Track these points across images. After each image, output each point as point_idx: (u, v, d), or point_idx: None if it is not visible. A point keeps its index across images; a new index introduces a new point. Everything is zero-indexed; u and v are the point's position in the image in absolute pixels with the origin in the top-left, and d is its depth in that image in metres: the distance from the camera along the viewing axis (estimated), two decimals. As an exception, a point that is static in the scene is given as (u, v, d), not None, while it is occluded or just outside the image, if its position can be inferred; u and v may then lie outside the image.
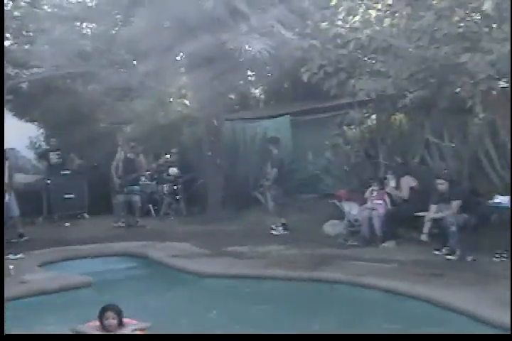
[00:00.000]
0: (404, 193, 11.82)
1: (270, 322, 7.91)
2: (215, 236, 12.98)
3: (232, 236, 12.91)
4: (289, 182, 14.84)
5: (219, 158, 15.02)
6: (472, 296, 8.02)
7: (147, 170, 16.24)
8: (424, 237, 10.66)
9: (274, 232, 13.26)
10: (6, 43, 14.54)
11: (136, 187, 15.18)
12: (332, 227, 12.63)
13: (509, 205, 10.25)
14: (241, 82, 16.57)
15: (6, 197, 12.35)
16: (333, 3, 10.91)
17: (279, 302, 8.92)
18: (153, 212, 16.00)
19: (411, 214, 11.22)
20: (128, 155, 15.12)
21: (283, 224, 13.42)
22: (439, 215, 10.56)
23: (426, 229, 10.64)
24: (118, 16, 16.52)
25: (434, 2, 10.13)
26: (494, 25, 9.99)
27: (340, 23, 11.13)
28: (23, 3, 16.82)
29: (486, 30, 10.00)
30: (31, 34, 14.38)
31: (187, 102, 18.54)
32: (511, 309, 6.20)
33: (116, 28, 16.09)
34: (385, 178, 12.10)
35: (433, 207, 10.73)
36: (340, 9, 10.92)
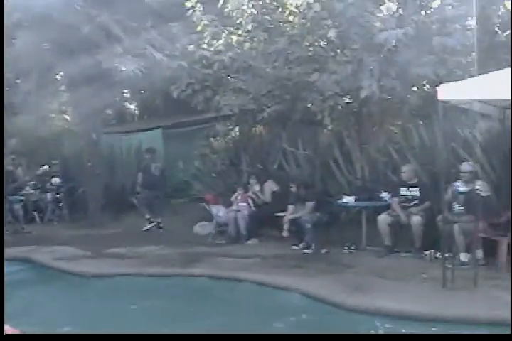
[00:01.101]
0: (267, 196, 11.98)
1: (157, 315, 7.79)
2: (97, 239, 12.69)
3: (112, 238, 12.64)
4: (161, 188, 14.78)
5: (98, 168, 14.73)
6: (326, 284, 8.17)
7: (31, 180, 15.78)
8: (285, 233, 10.82)
9: (146, 227, 13.43)
10: None
11: (17, 197, 14.71)
12: (202, 228, 12.61)
13: (354, 204, 10.59)
14: (117, 98, 16.35)
15: None
16: (199, 28, 10.95)
17: (160, 297, 8.76)
18: (38, 218, 15.49)
19: (272, 215, 11.36)
20: (7, 167, 14.71)
21: (158, 223, 13.51)
22: (296, 215, 10.76)
23: (286, 226, 10.81)
24: None
25: (287, 29, 10.34)
26: (338, 50, 10.32)
27: (205, 46, 11.18)
28: None
29: (332, 54, 10.31)
30: None
31: (67, 117, 18.08)
32: (511, 309, 6.20)
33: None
34: (249, 183, 12.21)
35: (290, 208, 10.92)
36: (205, 34, 10.97)
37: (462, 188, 9.06)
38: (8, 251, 11.59)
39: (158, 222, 13.65)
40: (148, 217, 13.77)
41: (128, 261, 10.56)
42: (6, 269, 10.61)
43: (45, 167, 15.90)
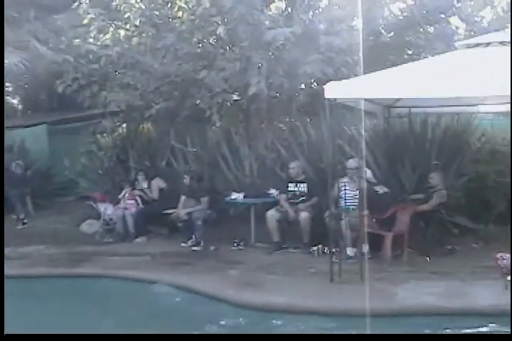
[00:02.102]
0: (155, 193, 11.83)
1: (41, 316, 7.54)
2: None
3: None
4: (46, 186, 14.34)
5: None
6: (216, 280, 8.16)
7: None
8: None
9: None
10: None
11: None
12: (89, 226, 12.28)
13: (243, 201, 10.62)
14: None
15: None
16: (85, 21, 10.64)
17: (45, 298, 8.48)
18: None
19: (160, 212, 11.22)
20: None
21: (22, 220, 13.24)
22: (189, 209, 10.66)
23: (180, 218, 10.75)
24: None
25: (176, 25, 10.22)
26: (227, 47, 10.31)
27: (92, 40, 10.89)
28: None
29: (221, 50, 10.29)
30: None
31: None
32: (511, 309, 6.19)
33: None
34: (136, 180, 12.02)
35: (182, 199, 10.81)
36: (91, 28, 10.68)
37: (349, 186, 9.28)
38: None
39: (22, 219, 13.29)
40: (23, 217, 13.35)
41: (11, 262, 10.14)
42: None
43: None
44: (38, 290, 8.88)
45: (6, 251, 10.74)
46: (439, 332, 6.30)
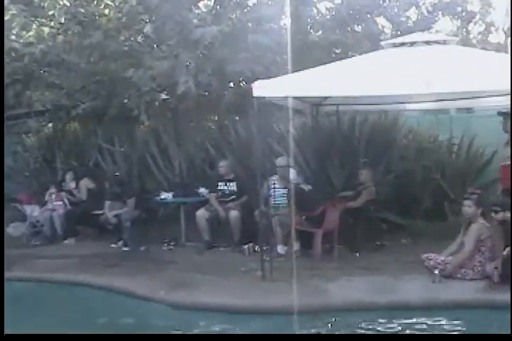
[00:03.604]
0: (83, 194, 11.62)
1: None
2: None
3: None
4: None
5: None
6: (146, 281, 8.05)
7: None
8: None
9: None
10: None
11: None
12: (15, 229, 11.97)
13: (172, 200, 10.55)
14: None
15: None
16: (6, 18, 10.33)
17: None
18: None
19: (89, 213, 11.03)
20: None
21: None
22: (117, 212, 10.51)
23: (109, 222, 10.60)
24: None
25: (103, 23, 10.05)
26: (155, 46, 10.21)
27: (14, 37, 10.59)
28: None
29: (148, 49, 10.19)
30: None
31: None
32: (511, 308, 6.14)
33: None
34: (64, 181, 11.79)
35: (107, 204, 10.67)
36: (14, 24, 10.38)
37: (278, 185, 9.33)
38: None
39: None
40: None
41: None
42: None
43: None
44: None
45: None
46: (376, 327, 6.39)
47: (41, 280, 8.76)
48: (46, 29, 10.28)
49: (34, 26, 10.34)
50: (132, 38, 10.12)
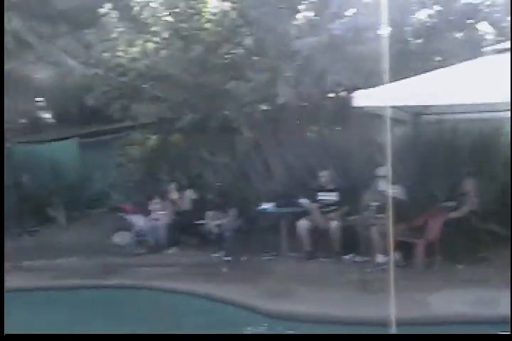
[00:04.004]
0: (186, 204, 11.89)
1: (76, 327, 7.59)
2: (12, 252, 12.28)
3: (27, 251, 12.27)
4: (78, 199, 14.50)
5: (9, 179, 14.29)
6: (247, 291, 8.19)
7: None
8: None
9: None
10: None
11: None
12: (121, 238, 12.36)
13: (274, 211, 10.62)
14: (31, 107, 15.97)
15: None
16: (114, 35, 10.79)
17: (79, 309, 8.55)
18: None
19: (191, 223, 11.27)
20: None
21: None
22: (218, 222, 10.70)
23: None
24: None
25: (204, 37, 10.31)
26: (254, 58, 10.37)
27: (121, 53, 11.01)
28: None
29: (248, 61, 10.34)
30: None
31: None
32: (511, 309, 6.25)
33: None
34: (167, 191, 12.10)
35: (209, 215, 10.87)
36: (120, 41, 10.81)
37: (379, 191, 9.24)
38: None
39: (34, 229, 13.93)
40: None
41: (43, 274, 10.28)
42: None
43: None
44: (70, 302, 8.97)
45: (40, 263, 10.93)
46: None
47: (143, 288, 9.05)
48: (150, 44, 10.65)
49: (139, 42, 10.74)
50: (233, 51, 10.30)
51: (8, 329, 7.45)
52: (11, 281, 9.87)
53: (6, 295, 9.28)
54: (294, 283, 8.40)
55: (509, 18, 9.73)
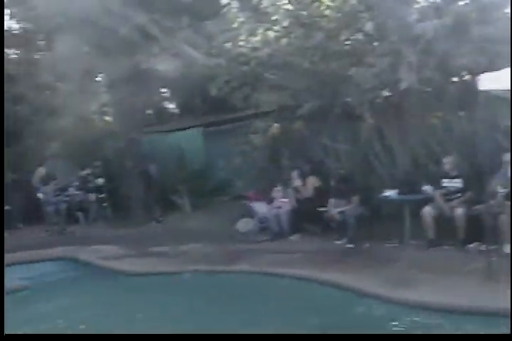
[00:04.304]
0: (309, 191, 11.96)
1: (202, 312, 7.85)
2: (140, 238, 12.85)
3: (155, 237, 12.80)
4: (203, 187, 14.91)
5: (139, 167, 14.88)
6: (370, 278, 8.15)
7: (75, 181, 16.06)
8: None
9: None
10: None
11: (61, 197, 14.99)
12: (244, 225, 12.64)
13: (397, 198, 10.50)
14: (156, 98, 16.52)
15: None
16: (235, 25, 10.98)
17: (204, 294, 8.81)
18: (82, 219, 15.75)
19: (314, 210, 11.35)
20: (50, 169, 15.17)
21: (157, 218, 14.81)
22: (341, 209, 10.72)
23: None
24: (41, 42, 16.24)
25: (324, 24, 10.31)
26: (375, 43, 10.26)
27: (242, 43, 11.19)
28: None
29: (369, 47, 10.26)
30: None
31: (108, 118, 18.30)
32: (511, 309, 6.20)
33: (40, 53, 15.83)
34: (290, 179, 12.22)
35: (331, 202, 10.90)
36: (241, 31, 10.99)
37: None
38: (55, 251, 11.90)
39: (157, 218, 14.87)
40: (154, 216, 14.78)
41: (171, 260, 10.68)
42: (52, 268, 10.90)
43: (87, 171, 16.10)
44: (197, 286, 9.26)
45: (167, 249, 11.34)
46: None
47: (267, 274, 9.20)
48: (271, 33, 10.77)
49: (260, 31, 10.87)
50: (353, 37, 10.25)
51: (140, 310, 7.88)
52: (141, 266, 10.39)
53: (138, 278, 9.90)
54: (418, 270, 8.29)
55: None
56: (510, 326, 5.72)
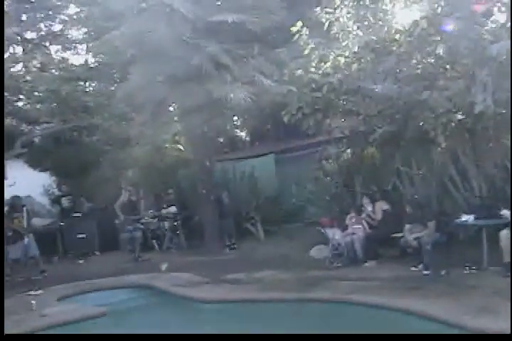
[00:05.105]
0: (378, 216, 11.89)
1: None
2: (214, 265, 12.92)
3: (229, 264, 12.86)
4: (276, 213, 14.94)
5: (212, 195, 15.03)
6: (448, 306, 7.98)
7: (149, 209, 16.35)
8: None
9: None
10: (19, 103, 14.68)
11: (138, 225, 15.26)
12: (318, 252, 12.61)
13: (474, 223, 10.29)
14: (228, 126, 16.72)
15: (26, 240, 12.41)
16: (306, 52, 11.06)
17: (279, 322, 8.82)
18: (156, 246, 15.97)
19: (387, 236, 11.23)
20: (131, 197, 15.42)
21: (230, 245, 14.86)
22: (417, 235, 10.57)
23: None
24: (116, 74, 16.73)
25: (394, 48, 10.29)
26: (447, 66, 10.16)
27: (313, 69, 11.25)
28: (33, 69, 17.14)
29: (441, 70, 10.16)
30: (41, 94, 14.47)
31: (181, 147, 18.63)
32: (511, 309, 6.04)
33: (115, 85, 16.30)
34: (362, 205, 12.15)
35: (407, 227, 10.77)
36: (312, 57, 11.06)
37: None
38: (130, 278, 12.08)
39: (230, 245, 14.86)
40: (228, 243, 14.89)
41: (246, 287, 10.70)
42: (128, 295, 11.07)
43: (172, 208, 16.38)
44: (272, 314, 9.24)
45: (242, 275, 11.36)
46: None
47: (343, 302, 9.11)
48: (341, 59, 10.79)
49: (331, 57, 10.93)
50: (424, 60, 10.18)
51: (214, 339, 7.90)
52: (216, 293, 10.43)
53: (213, 306, 9.94)
54: (498, 297, 8.07)
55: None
56: (510, 326, 5.66)
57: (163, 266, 10.41)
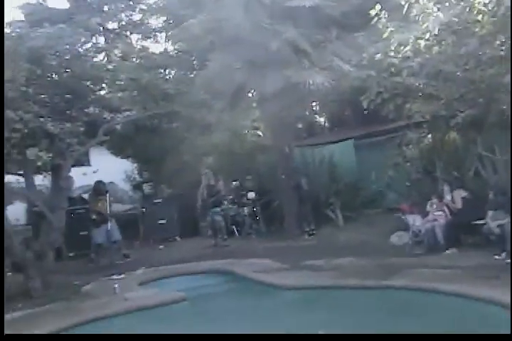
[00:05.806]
0: (458, 205, 11.64)
1: (352, 326, 7.80)
2: (293, 251, 12.94)
3: (308, 250, 12.84)
4: (355, 199, 14.81)
5: (292, 180, 15.01)
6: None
7: (229, 195, 16.47)
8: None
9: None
10: (102, 92, 14.98)
11: (218, 209, 15.40)
12: (398, 238, 12.46)
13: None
14: (306, 112, 16.62)
15: (109, 225, 12.74)
16: (385, 35, 10.84)
17: (359, 309, 8.74)
18: (236, 232, 16.09)
19: (468, 222, 10.98)
20: (210, 182, 15.56)
21: (309, 231, 14.71)
22: (501, 222, 10.28)
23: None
24: (195, 62, 16.86)
25: (477, 29, 9.96)
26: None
27: (392, 53, 11.02)
28: (115, 58, 17.51)
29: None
30: (123, 83, 14.73)
31: (260, 133, 18.66)
32: (511, 309, 5.85)
33: (194, 72, 16.44)
34: (443, 191, 11.91)
35: (490, 214, 10.50)
36: (392, 41, 10.83)
37: None
38: (211, 264, 12.23)
39: (309, 231, 14.74)
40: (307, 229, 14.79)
41: (325, 273, 10.67)
42: (208, 281, 11.19)
43: (237, 182, 16.46)
44: (352, 301, 9.20)
45: (320, 262, 11.32)
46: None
47: (424, 290, 8.96)
48: (421, 42, 10.52)
49: (410, 41, 10.67)
50: (508, 41, 9.82)
51: (294, 325, 7.90)
52: (295, 279, 10.43)
53: (293, 292, 9.95)
54: None
55: None
56: (510, 326, 5.58)
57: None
